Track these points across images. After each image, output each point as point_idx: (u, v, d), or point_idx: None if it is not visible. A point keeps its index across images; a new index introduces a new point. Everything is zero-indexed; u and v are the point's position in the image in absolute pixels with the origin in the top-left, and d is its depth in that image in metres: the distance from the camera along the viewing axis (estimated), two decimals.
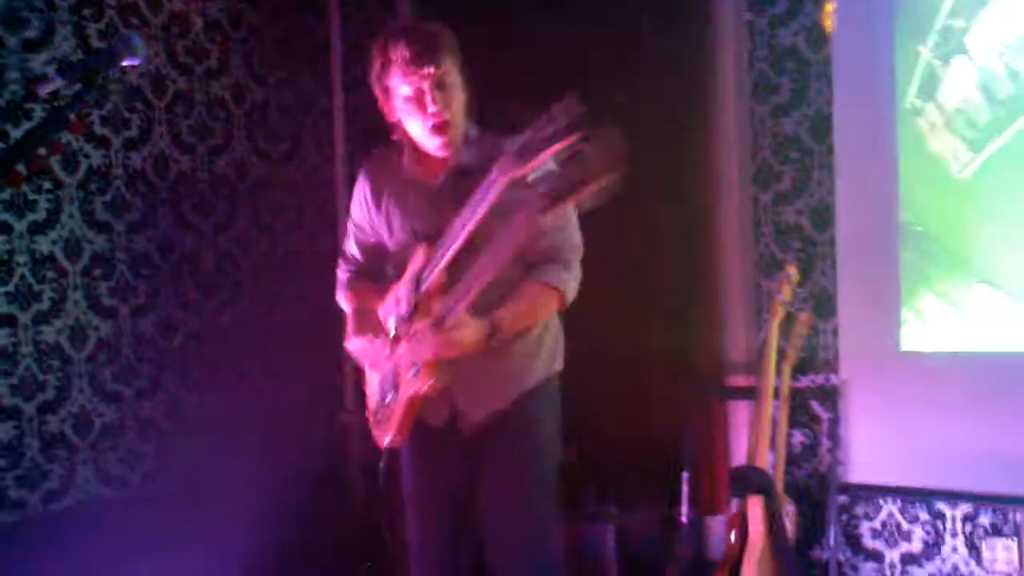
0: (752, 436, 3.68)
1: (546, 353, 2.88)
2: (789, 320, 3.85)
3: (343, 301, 3.01)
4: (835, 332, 4.13)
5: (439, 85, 2.68)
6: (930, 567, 4.07)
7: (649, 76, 4.34)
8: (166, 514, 3.79)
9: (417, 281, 2.67)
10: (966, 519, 4.00)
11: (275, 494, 3.89)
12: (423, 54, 2.65)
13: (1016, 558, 3.89)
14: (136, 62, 2.33)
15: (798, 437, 4.18)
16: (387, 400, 2.79)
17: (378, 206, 2.89)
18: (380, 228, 2.90)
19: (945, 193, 4.00)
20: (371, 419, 2.90)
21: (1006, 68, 3.86)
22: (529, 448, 2.84)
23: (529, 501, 2.81)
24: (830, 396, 4.08)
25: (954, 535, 4.03)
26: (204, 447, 3.94)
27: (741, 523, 3.61)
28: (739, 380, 4.09)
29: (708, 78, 4.38)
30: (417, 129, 2.74)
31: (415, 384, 2.63)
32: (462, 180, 2.67)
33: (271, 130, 4.55)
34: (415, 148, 2.80)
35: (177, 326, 4.09)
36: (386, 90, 2.75)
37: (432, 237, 2.67)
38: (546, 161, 2.27)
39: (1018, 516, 3.89)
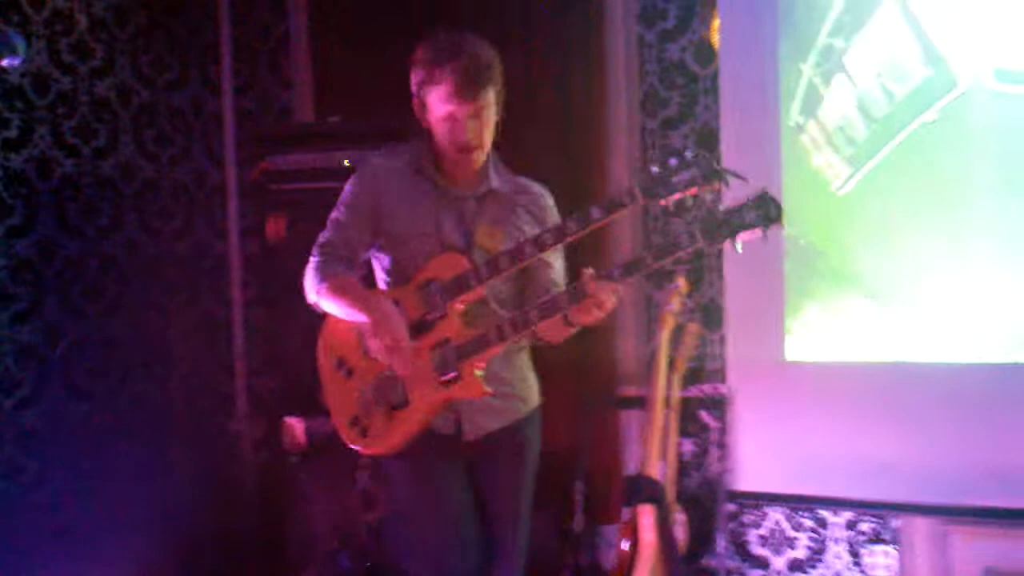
0: (643, 445, 3.74)
1: (535, 382, 3.03)
2: (678, 331, 3.93)
3: (326, 284, 2.81)
4: (722, 342, 4.23)
5: (476, 115, 2.76)
6: (815, 574, 4.20)
7: (542, 88, 4.38)
8: (50, 526, 3.68)
9: (451, 289, 2.73)
10: (848, 526, 4.14)
11: (165, 505, 3.82)
12: (468, 88, 2.71)
13: (895, 564, 4.05)
14: (17, 62, 2.25)
15: (688, 446, 4.26)
16: (392, 405, 2.76)
17: (391, 197, 2.85)
18: (383, 218, 2.85)
19: (826, 208, 4.11)
20: (350, 428, 2.83)
21: (882, 88, 4.00)
22: (528, 469, 2.99)
23: (524, 518, 3.00)
24: (718, 405, 4.18)
25: (837, 542, 4.17)
26: (90, 457, 3.83)
27: (633, 532, 3.68)
28: (630, 390, 4.16)
29: (599, 92, 4.44)
30: (445, 143, 2.79)
31: (459, 391, 2.71)
32: (490, 201, 2.86)
33: (159, 132, 4.45)
34: (439, 151, 2.83)
35: (60, 333, 3.97)
36: (422, 102, 2.79)
37: (460, 248, 2.79)
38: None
39: (897, 523, 4.05)
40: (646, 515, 3.66)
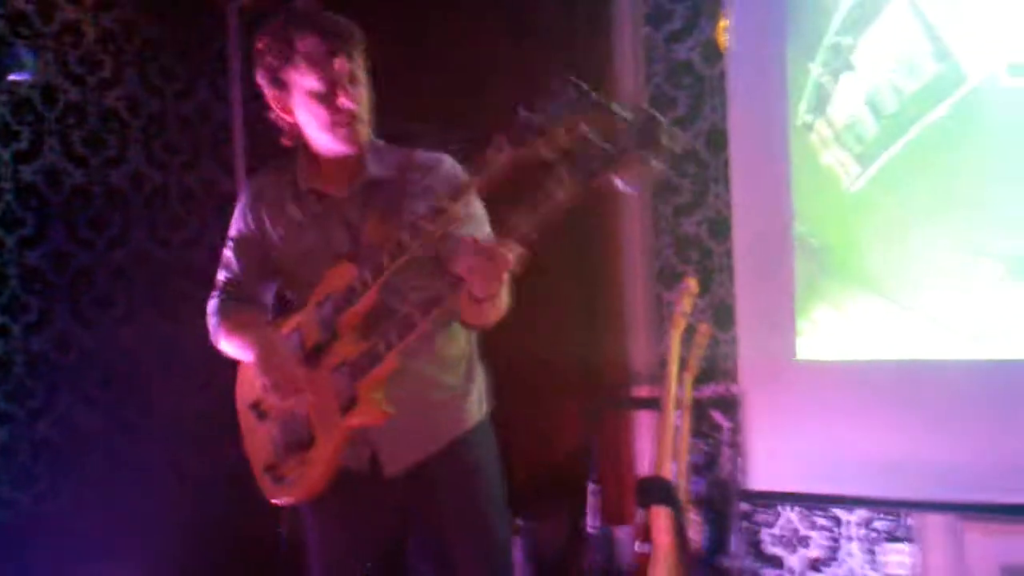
0: (656, 446, 3.73)
1: (477, 393, 2.69)
2: (690, 331, 3.91)
3: (223, 326, 2.63)
4: (734, 342, 4.22)
5: (351, 79, 2.49)
6: (829, 572, 4.19)
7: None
8: (63, 536, 3.69)
9: (341, 303, 2.45)
10: (862, 524, 4.12)
11: (179, 514, 3.83)
12: (337, 46, 2.47)
13: (909, 561, 4.03)
14: (26, 76, 2.25)
15: (700, 446, 4.25)
16: (301, 445, 2.50)
17: (273, 222, 2.60)
18: (272, 247, 2.61)
19: (837, 206, 4.10)
20: (264, 476, 2.58)
21: (890, 85, 3.98)
22: (482, 492, 2.65)
23: (493, 546, 2.68)
24: (730, 405, 4.15)
25: (851, 540, 4.15)
26: (103, 467, 3.84)
27: (647, 533, 3.66)
28: (642, 391, 4.15)
29: (607, 92, 4.43)
30: (319, 125, 2.49)
31: (357, 417, 2.42)
32: (374, 192, 2.53)
33: (168, 142, 4.47)
34: (314, 156, 2.56)
35: (72, 343, 3.98)
36: (283, 84, 2.50)
37: (344, 254, 2.50)
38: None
39: (911, 521, 4.03)
40: (660, 516, 3.64)
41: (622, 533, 4.03)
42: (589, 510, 4.00)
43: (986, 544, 3.83)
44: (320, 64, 2.45)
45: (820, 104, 4.12)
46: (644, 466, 3.86)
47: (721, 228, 4.28)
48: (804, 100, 4.15)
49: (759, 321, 4.18)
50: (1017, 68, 3.74)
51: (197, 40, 4.62)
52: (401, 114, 4.22)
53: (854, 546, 4.13)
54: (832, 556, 4.17)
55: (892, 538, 4.07)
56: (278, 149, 4.34)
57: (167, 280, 4.35)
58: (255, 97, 4.68)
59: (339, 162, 2.54)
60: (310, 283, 2.53)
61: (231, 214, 4.51)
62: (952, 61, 3.86)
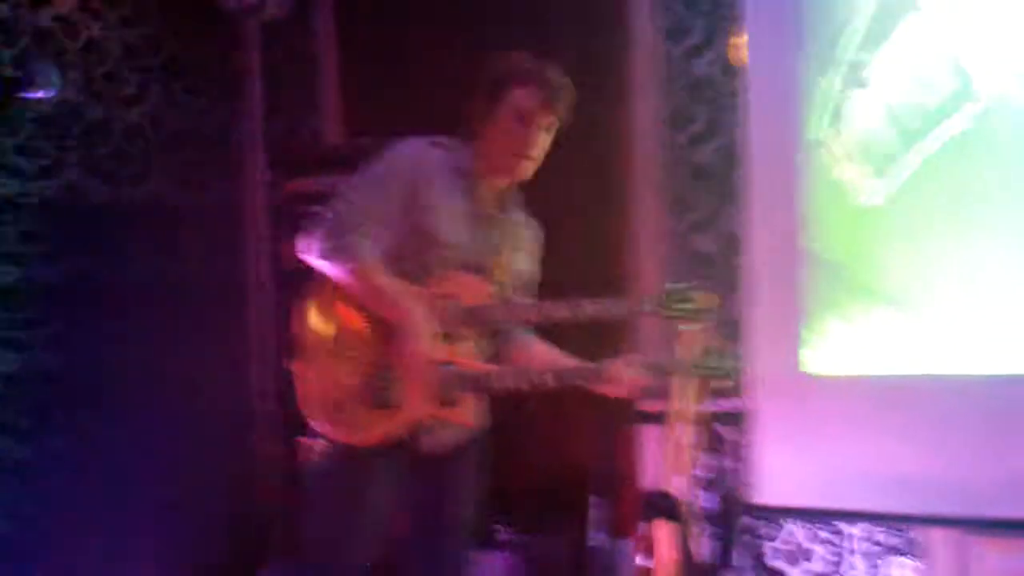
0: (662, 460, 3.73)
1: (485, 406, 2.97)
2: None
3: (369, 271, 2.70)
4: (742, 357, 4.20)
5: (548, 128, 2.80)
6: None
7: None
8: (63, 552, 3.74)
9: (467, 315, 2.75)
10: (867, 538, 4.11)
11: (182, 526, 3.86)
12: (557, 98, 2.77)
13: (915, 573, 4.00)
14: (51, 93, 2.32)
15: (707, 460, 4.24)
16: (378, 402, 2.70)
17: (431, 197, 2.76)
18: (418, 216, 2.75)
19: (850, 220, 4.11)
20: (323, 408, 2.74)
21: (906, 100, 3.98)
22: (479, 486, 2.98)
23: (468, 537, 2.98)
24: (737, 420, 4.17)
25: (855, 554, 4.13)
26: (109, 483, 3.89)
27: (650, 547, 3.66)
28: (648, 404, 4.15)
29: (624, 107, 4.47)
30: (504, 147, 2.78)
31: (451, 414, 2.74)
32: (512, 230, 2.91)
33: (189, 159, 4.53)
34: (488, 163, 2.82)
35: (91, 361, 4.03)
36: (497, 97, 2.78)
37: (478, 268, 2.80)
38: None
39: (917, 535, 4.00)
40: (664, 530, 3.64)
41: (626, 547, 4.03)
42: (592, 524, 4.02)
43: (992, 559, 3.82)
44: (538, 102, 2.76)
45: (834, 119, 4.13)
46: (649, 480, 3.85)
47: (733, 244, 4.28)
48: (818, 115, 4.16)
49: (768, 335, 4.17)
50: None
51: (218, 55, 4.66)
52: (421, 126, 4.34)
53: (858, 560, 4.11)
54: (835, 570, 4.15)
55: (897, 552, 4.04)
56: (297, 164, 4.45)
57: (183, 300, 4.39)
58: (276, 112, 4.83)
59: (501, 180, 2.84)
60: (428, 263, 2.76)
61: (251, 228, 4.60)
62: (966, 77, 3.86)
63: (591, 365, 2.79)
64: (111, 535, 3.79)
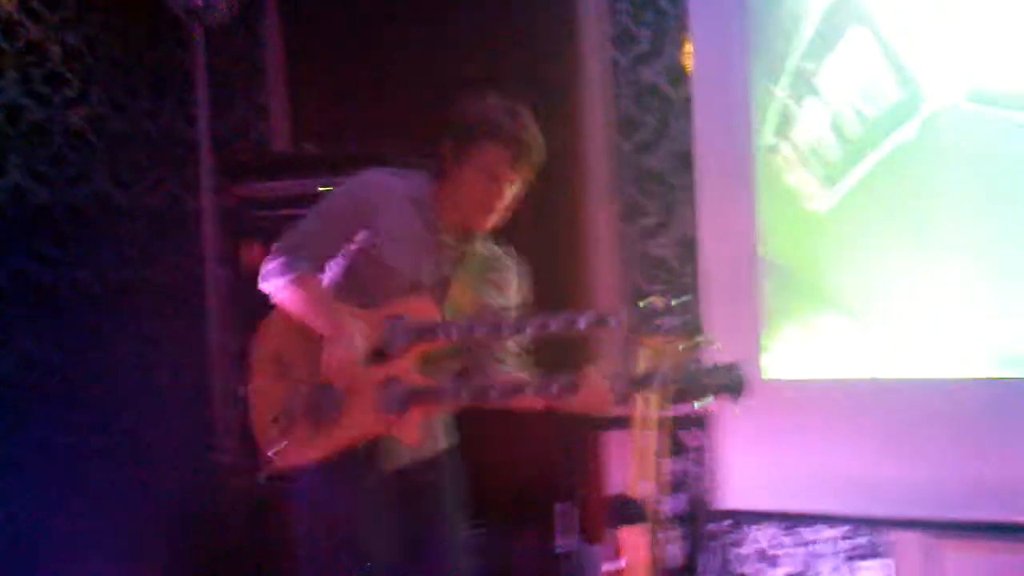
0: (627, 465, 3.73)
1: (450, 423, 2.97)
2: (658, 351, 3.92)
3: (304, 293, 2.72)
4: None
5: (515, 186, 2.76)
6: None
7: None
8: (25, 558, 3.63)
9: (416, 334, 2.69)
10: (834, 542, 4.14)
11: (144, 534, 3.77)
12: (528, 160, 2.73)
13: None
14: None
15: (672, 465, 4.25)
16: (322, 418, 2.69)
17: (384, 225, 2.76)
18: (371, 244, 2.75)
19: (802, 227, 4.15)
20: (269, 426, 2.74)
21: (853, 109, 4.05)
22: (453, 501, 2.94)
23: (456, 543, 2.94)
24: (701, 424, 4.18)
25: (824, 558, 4.16)
26: (66, 488, 3.78)
27: (618, 552, 3.66)
28: (613, 410, 4.14)
29: (574, 115, 4.48)
30: (467, 196, 2.75)
31: (396, 431, 2.68)
32: (472, 261, 2.84)
33: (133, 162, 4.43)
34: (449, 203, 2.79)
35: (35, 365, 3.92)
36: (466, 148, 2.74)
37: (428, 294, 2.74)
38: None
39: (886, 537, 4.05)
40: (632, 535, 3.64)
41: (593, 553, 4.02)
42: (559, 529, 4.00)
43: (963, 561, 3.87)
44: (508, 162, 2.71)
45: (785, 126, 4.18)
46: (616, 485, 3.85)
47: (688, 248, 4.31)
48: (769, 122, 4.21)
49: (726, 340, 4.15)
50: (976, 94, 3.82)
51: (163, 58, 4.58)
52: (369, 132, 4.29)
53: (826, 564, 4.15)
54: (806, 574, 4.19)
55: (867, 555, 4.09)
56: (244, 169, 4.36)
57: (133, 299, 4.29)
58: (221, 116, 4.74)
59: (464, 220, 2.80)
60: (380, 288, 2.74)
61: (196, 234, 4.51)
62: (913, 87, 3.93)
63: (560, 375, 2.71)
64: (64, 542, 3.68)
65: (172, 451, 4.10)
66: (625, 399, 2.82)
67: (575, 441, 3.98)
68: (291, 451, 2.73)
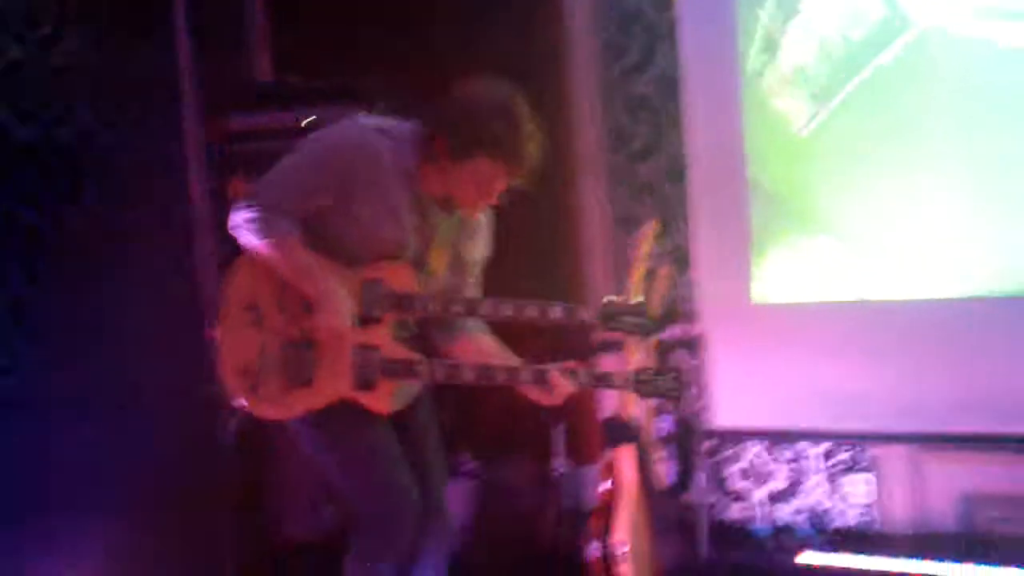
0: None
1: None
2: (650, 275, 3.93)
3: (288, 247, 2.66)
4: (693, 284, 4.27)
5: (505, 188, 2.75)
6: (795, 503, 4.27)
7: (498, 47, 4.37)
8: (21, 498, 3.65)
9: (394, 301, 2.70)
10: (826, 457, 4.21)
11: (140, 467, 3.79)
12: (520, 173, 2.70)
13: (871, 490, 4.14)
14: None
15: None
16: (295, 378, 2.68)
17: (366, 192, 2.69)
18: (354, 204, 2.69)
19: (789, 150, 4.16)
20: (235, 377, 2.71)
21: (838, 31, 4.04)
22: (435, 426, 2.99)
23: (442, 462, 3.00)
24: (691, 346, 4.21)
25: (815, 472, 4.24)
26: (62, 426, 3.79)
27: (613, 472, 3.70)
28: (605, 333, 4.17)
29: (559, 42, 4.46)
30: (458, 188, 2.72)
31: (367, 399, 2.68)
32: (449, 226, 2.81)
33: (117, 100, 4.38)
34: (437, 183, 2.75)
35: (25, 303, 3.91)
36: (463, 154, 2.68)
37: (412, 262, 2.74)
38: None
39: (874, 452, 4.12)
40: (625, 455, 3.68)
41: (588, 473, 4.07)
42: (555, 452, 4.04)
43: (947, 473, 3.94)
44: (510, 172, 2.69)
45: (770, 50, 4.16)
46: (609, 407, 3.88)
47: (677, 173, 4.31)
48: (755, 46, 4.19)
49: (716, 265, 4.23)
50: (960, 16, 3.81)
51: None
52: (345, 68, 4.25)
53: (817, 478, 4.22)
54: (796, 489, 4.26)
55: (855, 469, 4.16)
56: (228, 102, 4.33)
57: (122, 238, 4.26)
58: (202, 48, 4.68)
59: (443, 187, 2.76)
60: (359, 249, 2.71)
61: (182, 169, 4.47)
62: (897, 9, 3.92)
63: (527, 367, 2.77)
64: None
65: (165, 387, 4.09)
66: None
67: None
68: (263, 405, 2.71)
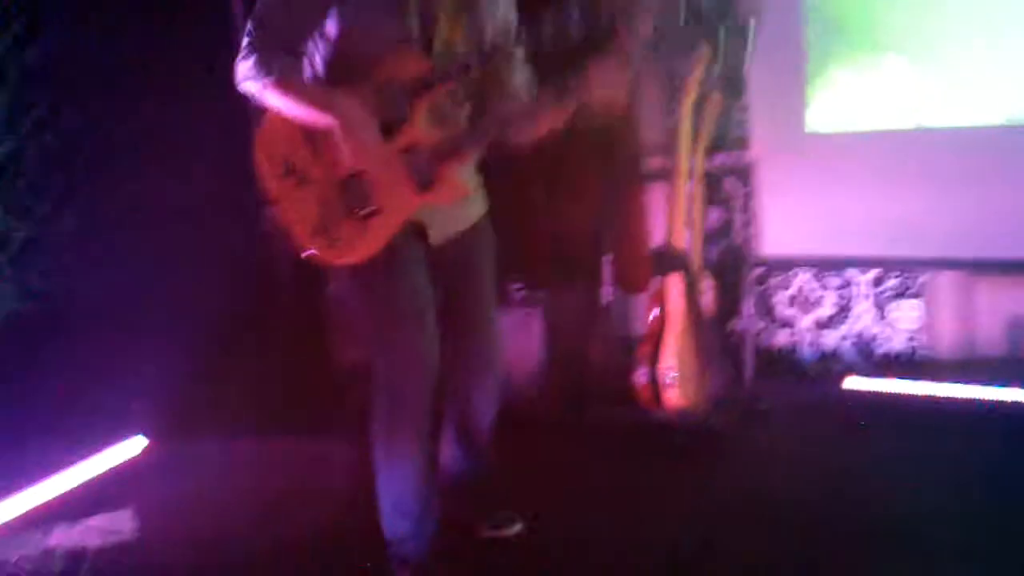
0: (670, 216, 3.77)
1: (482, 189, 2.91)
2: (701, 100, 3.88)
3: (285, 84, 2.54)
4: (745, 111, 4.20)
5: None
6: (843, 329, 4.30)
7: None
8: (93, 324, 3.77)
9: (413, 89, 2.57)
10: (874, 283, 4.21)
11: (200, 300, 3.90)
12: None
13: (919, 315, 4.16)
14: None
15: (714, 214, 4.28)
16: (361, 212, 2.60)
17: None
18: (340, 6, 2.56)
19: None
20: (315, 238, 2.62)
21: None
22: (491, 264, 2.91)
23: (493, 303, 2.94)
24: (742, 174, 4.19)
25: (863, 299, 4.25)
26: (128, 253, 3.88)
27: (662, 300, 3.74)
28: (655, 162, 4.15)
29: None
30: None
31: (435, 195, 2.63)
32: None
33: None
34: None
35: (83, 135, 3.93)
36: None
37: (420, 42, 2.59)
38: None
39: (922, 278, 4.12)
40: (674, 284, 3.71)
41: (638, 302, 4.11)
42: (605, 281, 4.08)
43: (995, 296, 3.95)
44: None
45: None
46: (658, 236, 3.89)
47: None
48: None
49: (771, 90, 4.15)
50: None
51: None
52: None
53: (865, 304, 4.23)
54: (843, 315, 4.28)
55: (903, 295, 4.17)
56: None
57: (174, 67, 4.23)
58: None
59: None
60: (364, 54, 2.57)
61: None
62: None
63: (567, 79, 2.59)
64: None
65: (225, 213, 4.14)
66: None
67: (619, 193, 3.98)
68: (348, 251, 2.63)
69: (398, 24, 2.59)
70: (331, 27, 2.58)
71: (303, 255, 2.63)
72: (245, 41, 2.58)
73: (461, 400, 2.97)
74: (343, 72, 2.60)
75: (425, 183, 2.62)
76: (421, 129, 2.61)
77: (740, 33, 4.06)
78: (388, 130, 2.57)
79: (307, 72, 2.66)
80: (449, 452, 3.05)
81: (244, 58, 2.56)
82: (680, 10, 4.11)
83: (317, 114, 2.54)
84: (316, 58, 2.65)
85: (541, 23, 2.55)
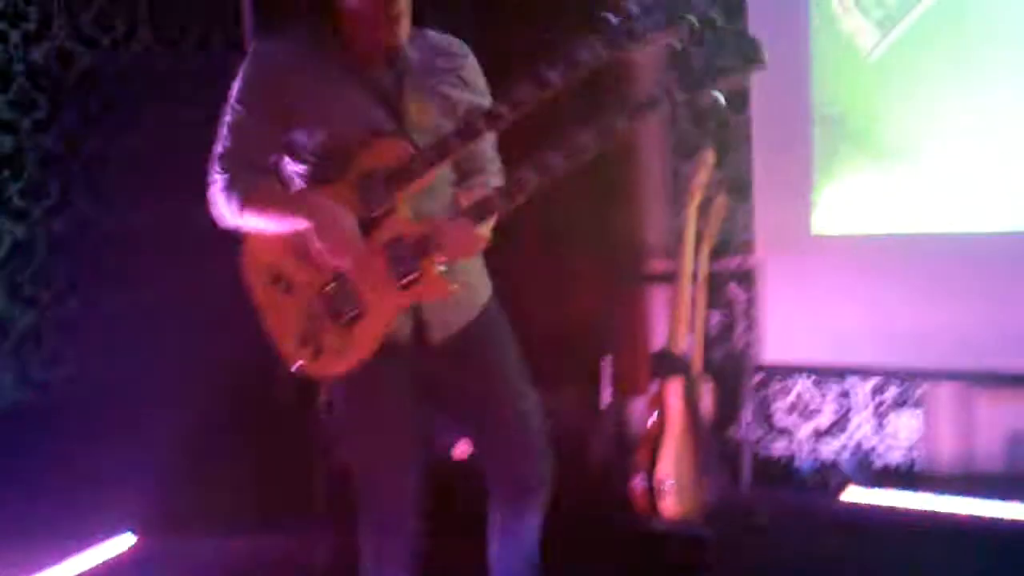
0: (671, 319, 3.77)
1: (486, 271, 2.81)
2: (706, 204, 3.90)
3: (249, 201, 2.52)
4: (750, 215, 4.22)
5: None
6: (842, 438, 4.28)
7: None
8: (90, 417, 3.79)
9: (395, 178, 2.48)
10: (873, 393, 4.21)
11: (204, 390, 3.92)
12: None
13: (919, 426, 4.13)
14: None
15: (715, 318, 4.29)
16: (347, 317, 2.53)
17: (299, 94, 2.50)
18: (293, 119, 2.52)
19: (856, 75, 4.07)
20: (301, 349, 2.58)
21: None
22: (509, 346, 2.78)
23: (525, 396, 2.78)
24: (746, 278, 4.20)
25: (861, 409, 4.23)
26: (128, 347, 3.91)
27: (660, 404, 3.73)
28: (658, 264, 4.16)
29: None
30: (363, 16, 2.45)
31: (420, 292, 2.52)
32: (413, 74, 2.56)
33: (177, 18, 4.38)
34: (351, 36, 2.50)
35: (91, 225, 3.99)
36: None
37: (394, 132, 2.51)
38: None
39: (921, 389, 4.11)
40: (673, 387, 3.71)
41: (636, 405, 4.10)
42: (603, 383, 4.08)
43: (995, 410, 3.93)
44: None
45: None
46: (659, 339, 3.89)
47: (738, 99, 4.23)
48: None
49: (776, 193, 4.17)
50: None
51: None
52: None
53: (864, 414, 4.21)
54: (842, 425, 4.27)
55: (902, 406, 4.15)
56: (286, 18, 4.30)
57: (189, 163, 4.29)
58: None
59: (376, 44, 2.52)
60: (337, 155, 2.52)
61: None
62: None
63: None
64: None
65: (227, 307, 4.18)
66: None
67: (619, 294, 4.00)
68: (334, 361, 2.56)
69: (363, 115, 2.53)
70: (299, 136, 2.55)
71: (292, 368, 2.59)
72: (212, 168, 2.58)
73: (504, 501, 2.85)
74: (322, 172, 2.55)
75: (408, 280, 2.50)
76: (404, 221, 2.51)
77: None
78: (376, 224, 2.50)
79: (295, 183, 2.61)
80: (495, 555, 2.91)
81: (215, 192, 2.56)
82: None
83: (291, 219, 2.49)
84: (293, 166, 2.60)
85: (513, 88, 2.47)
